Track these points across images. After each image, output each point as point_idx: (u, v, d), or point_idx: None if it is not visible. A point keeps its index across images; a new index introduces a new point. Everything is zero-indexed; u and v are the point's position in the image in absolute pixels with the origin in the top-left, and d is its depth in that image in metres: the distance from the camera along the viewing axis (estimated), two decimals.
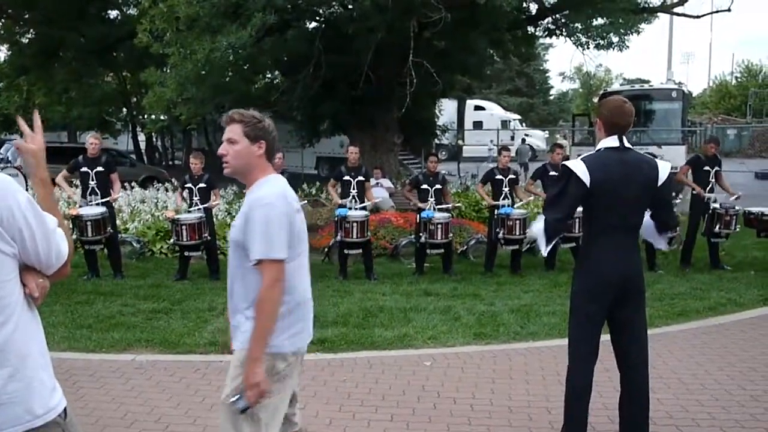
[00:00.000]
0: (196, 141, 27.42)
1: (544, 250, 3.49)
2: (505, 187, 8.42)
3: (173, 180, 13.13)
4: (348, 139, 14.67)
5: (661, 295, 7.15)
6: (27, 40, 19.64)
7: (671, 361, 5.06)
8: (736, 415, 4.07)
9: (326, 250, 9.04)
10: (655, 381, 4.28)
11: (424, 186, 8.43)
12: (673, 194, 9.79)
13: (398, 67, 11.82)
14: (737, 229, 8.59)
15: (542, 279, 8.09)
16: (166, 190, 12.19)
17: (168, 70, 10.99)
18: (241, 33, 9.85)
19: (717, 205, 8.41)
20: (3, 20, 19.14)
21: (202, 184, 8.06)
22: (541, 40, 18.64)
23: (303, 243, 2.54)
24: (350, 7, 12.37)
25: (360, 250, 8.19)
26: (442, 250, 8.41)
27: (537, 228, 3.37)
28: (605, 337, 3.50)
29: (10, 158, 15.95)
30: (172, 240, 8.21)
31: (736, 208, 8.48)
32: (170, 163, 28.84)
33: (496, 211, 8.38)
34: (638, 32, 13.48)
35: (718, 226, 8.40)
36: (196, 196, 8.04)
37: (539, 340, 5.66)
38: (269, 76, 14.06)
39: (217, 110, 12.52)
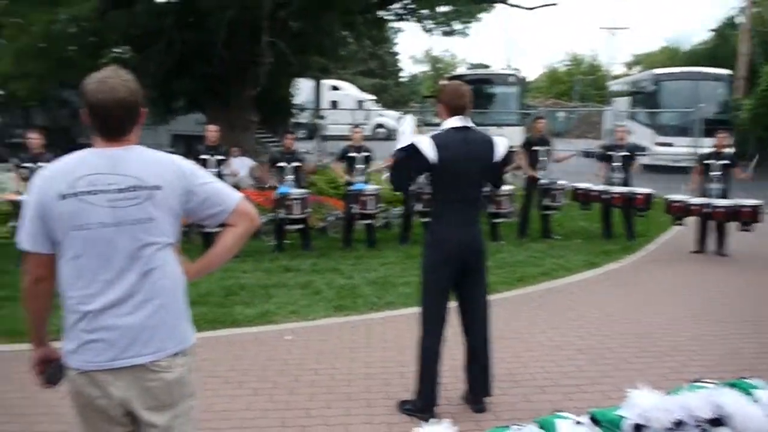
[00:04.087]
0: (38, 118, 25.28)
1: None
2: (359, 163, 8.72)
3: (11, 159, 12.15)
4: (204, 117, 14.35)
5: (502, 263, 7.79)
6: None
7: (512, 322, 5.59)
8: (565, 367, 4.59)
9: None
10: (498, 342, 4.71)
11: (282, 163, 8.52)
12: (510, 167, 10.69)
13: (253, 46, 11.71)
14: (563, 202, 9.57)
15: (397, 252, 8.49)
16: (8, 171, 11.26)
17: (2, 43, 10.11)
18: (83, 4, 9.27)
19: (546, 181, 9.31)
20: None
21: (42, 163, 7.58)
22: (392, 24, 19.32)
23: (77, 240, 2.00)
24: None
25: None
26: (301, 226, 8.56)
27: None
28: (455, 304, 3.83)
29: None
30: (12, 223, 7.70)
31: (561, 182, 9.44)
32: (8, 141, 26.36)
33: (350, 187, 8.66)
34: (478, 20, 14.55)
35: (547, 200, 9.33)
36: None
37: (395, 310, 6.00)
38: (118, 51, 13.31)
39: (61, 86, 11.71)
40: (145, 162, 2.06)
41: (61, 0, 9.45)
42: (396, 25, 19.09)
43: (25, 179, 7.74)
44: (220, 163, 8.24)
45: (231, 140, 12.11)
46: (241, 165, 11.13)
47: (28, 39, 9.50)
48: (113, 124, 2.04)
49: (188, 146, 16.09)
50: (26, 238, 2.05)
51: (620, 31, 67.56)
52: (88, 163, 2.03)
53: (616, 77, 37.08)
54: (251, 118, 14.33)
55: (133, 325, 2.03)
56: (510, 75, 20.19)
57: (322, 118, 24.91)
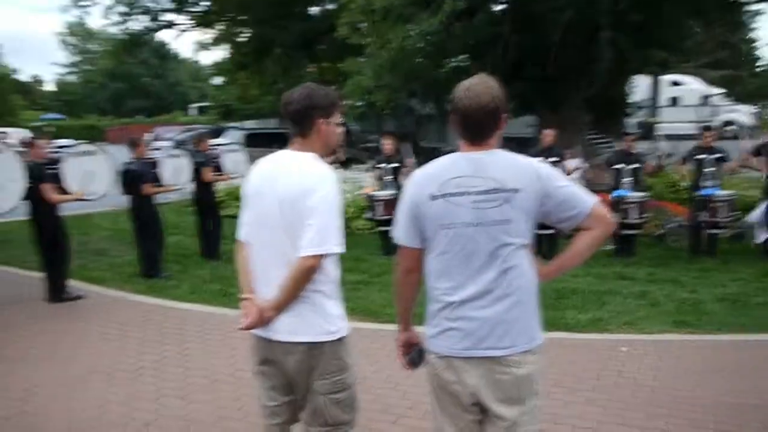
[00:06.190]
0: (388, 125, 28.74)
1: (759, 238, 3.31)
2: (709, 166, 7.82)
3: (368, 161, 13.93)
4: (533, 120, 14.50)
5: None
6: (245, 40, 21.93)
7: None
8: None
9: None
10: None
11: (619, 165, 8.13)
12: None
13: (589, 44, 11.38)
14: None
15: (751, 267, 7.40)
16: (365, 170, 12.94)
17: (365, 59, 11.66)
18: (432, 20, 10.13)
19: None
20: (224, 23, 21.50)
21: (394, 164, 8.54)
22: (750, 7, 16.75)
23: (444, 237, 2.15)
24: None
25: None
26: (636, 232, 8.04)
27: (755, 215, 3.21)
28: None
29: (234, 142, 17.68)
30: (367, 215, 8.80)
31: None
32: (364, 145, 30.62)
33: (697, 192, 7.86)
34: None
35: None
36: (389, 175, 8.52)
37: (750, 334, 5.26)
38: (455, 60, 14.24)
39: (408, 95, 12.98)
40: (505, 165, 2.15)
41: (414, 17, 10.46)
42: (755, 7, 16.57)
43: (379, 178, 8.80)
44: (554, 165, 8.23)
45: (562, 142, 12.00)
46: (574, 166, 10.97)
47: (386, 54, 10.73)
48: (476, 129, 2.16)
49: (518, 149, 16.43)
50: (400, 233, 2.26)
51: None
52: (455, 166, 2.17)
53: None
54: (583, 119, 13.99)
55: (490, 318, 2.14)
56: None
57: (653, 116, 23.15)
